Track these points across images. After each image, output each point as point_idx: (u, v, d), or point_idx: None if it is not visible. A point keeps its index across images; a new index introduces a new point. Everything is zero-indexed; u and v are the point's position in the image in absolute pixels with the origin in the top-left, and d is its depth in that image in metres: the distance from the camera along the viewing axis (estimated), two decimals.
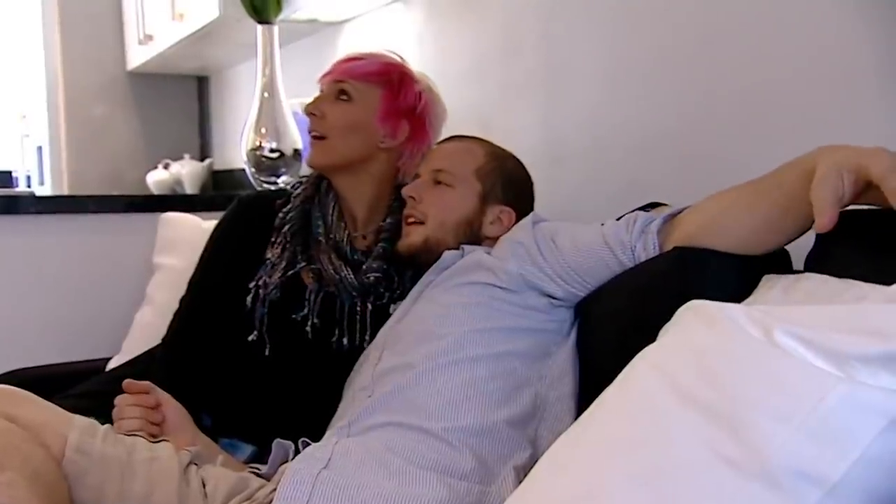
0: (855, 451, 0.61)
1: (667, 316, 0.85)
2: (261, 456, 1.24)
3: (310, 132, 1.33)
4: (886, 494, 0.62)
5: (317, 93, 1.36)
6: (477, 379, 1.02)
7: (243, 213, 1.40)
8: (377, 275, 1.28)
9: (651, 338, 0.85)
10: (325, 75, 1.35)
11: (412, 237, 1.23)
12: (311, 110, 1.32)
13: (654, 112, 1.40)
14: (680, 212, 1.06)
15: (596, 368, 1.05)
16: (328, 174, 1.35)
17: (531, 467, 0.93)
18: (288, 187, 1.41)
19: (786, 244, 0.96)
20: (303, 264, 1.29)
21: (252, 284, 1.31)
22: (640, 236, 1.05)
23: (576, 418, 0.99)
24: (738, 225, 0.97)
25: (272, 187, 1.99)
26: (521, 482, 0.94)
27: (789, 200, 0.90)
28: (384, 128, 1.32)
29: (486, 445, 0.98)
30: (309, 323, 1.28)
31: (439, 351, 1.05)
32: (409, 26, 2.07)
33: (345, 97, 1.31)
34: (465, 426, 0.98)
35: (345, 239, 1.31)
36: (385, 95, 1.32)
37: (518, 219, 1.22)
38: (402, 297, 1.25)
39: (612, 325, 1.05)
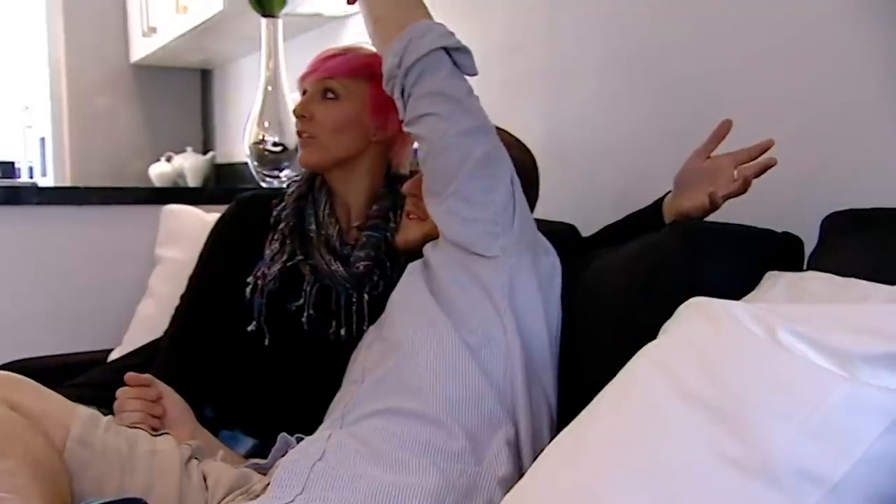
0: (856, 452, 0.61)
1: (671, 296, 0.85)
2: (262, 449, 1.25)
3: (299, 133, 1.31)
4: (888, 495, 0.62)
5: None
6: (455, 352, 1.03)
7: (241, 212, 1.40)
8: (366, 263, 1.28)
9: (655, 318, 0.85)
10: (307, 74, 1.32)
11: (410, 233, 1.22)
12: (301, 112, 1.30)
13: (657, 110, 1.40)
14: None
15: (596, 348, 1.07)
16: (322, 172, 1.35)
17: (522, 441, 0.99)
18: (285, 186, 1.41)
19: None
20: (301, 258, 1.29)
21: (251, 277, 1.31)
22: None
23: (530, 388, 1.04)
24: None
25: (274, 181, 1.99)
26: (513, 457, 0.97)
27: None
28: (375, 121, 1.30)
29: (475, 418, 0.99)
30: (304, 314, 1.28)
31: (418, 332, 1.06)
32: None
33: (332, 95, 1.29)
34: (451, 396, 0.99)
35: (335, 234, 1.31)
36: (373, 89, 1.27)
37: None
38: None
39: (618, 304, 1.06)
